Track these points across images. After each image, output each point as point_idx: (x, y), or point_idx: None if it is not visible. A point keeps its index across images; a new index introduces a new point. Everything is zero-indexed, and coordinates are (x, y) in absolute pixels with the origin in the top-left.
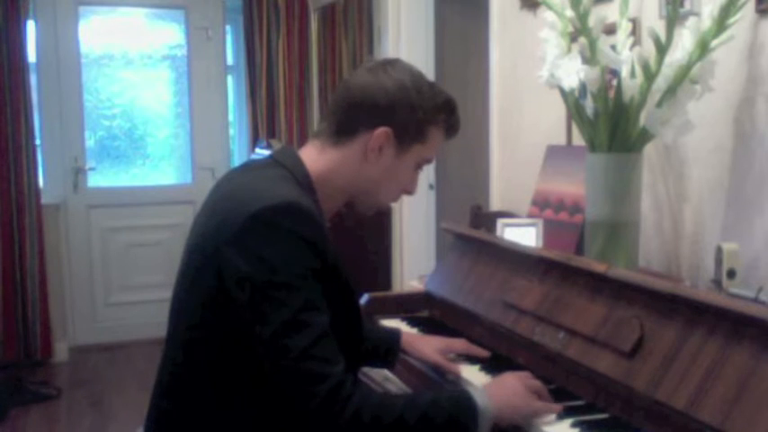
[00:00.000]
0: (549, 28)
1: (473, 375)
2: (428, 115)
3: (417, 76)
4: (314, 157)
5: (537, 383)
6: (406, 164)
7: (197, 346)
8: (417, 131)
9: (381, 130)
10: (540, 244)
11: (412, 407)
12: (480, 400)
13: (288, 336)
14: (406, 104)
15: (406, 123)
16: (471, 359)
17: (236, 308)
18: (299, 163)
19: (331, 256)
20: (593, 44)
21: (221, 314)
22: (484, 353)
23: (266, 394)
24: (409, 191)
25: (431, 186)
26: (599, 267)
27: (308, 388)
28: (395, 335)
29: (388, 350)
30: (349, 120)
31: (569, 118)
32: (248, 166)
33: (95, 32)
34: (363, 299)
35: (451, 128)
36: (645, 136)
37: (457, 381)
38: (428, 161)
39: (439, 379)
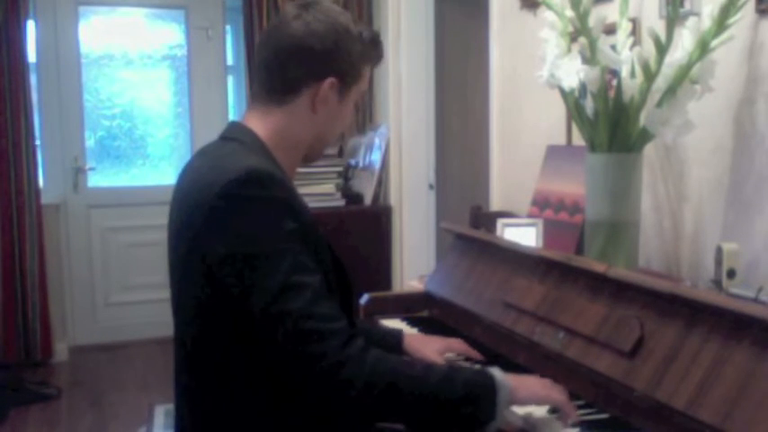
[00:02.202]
0: (549, 28)
1: None
2: (362, 57)
3: (343, 16)
4: (261, 121)
5: (563, 398)
6: (348, 105)
7: (201, 340)
8: (355, 74)
9: (328, 82)
10: (540, 244)
11: (430, 371)
12: (498, 374)
13: (282, 301)
14: (343, 51)
15: (345, 70)
16: (471, 359)
17: (227, 290)
18: (248, 132)
19: (306, 214)
20: (593, 44)
21: (217, 303)
22: (479, 356)
23: (276, 376)
24: (348, 124)
25: (431, 186)
26: (599, 267)
27: (315, 347)
28: (396, 336)
29: (389, 351)
30: (290, 76)
31: (569, 118)
32: (201, 152)
33: (95, 32)
34: (363, 299)
35: (378, 59)
36: (645, 136)
37: None
38: (363, 94)
39: None
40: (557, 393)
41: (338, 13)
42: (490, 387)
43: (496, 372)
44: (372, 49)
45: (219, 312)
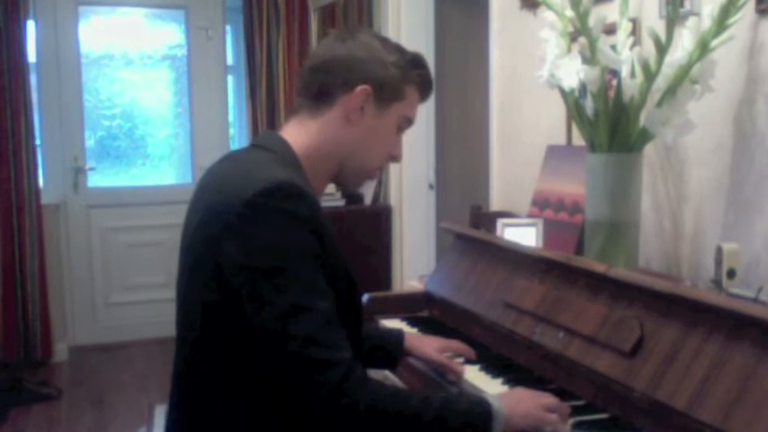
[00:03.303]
0: (549, 28)
1: (473, 375)
2: (401, 71)
3: (383, 38)
4: (296, 133)
5: (554, 400)
6: (387, 123)
7: (205, 344)
8: (394, 88)
9: (361, 89)
10: (540, 244)
11: (427, 403)
12: (494, 402)
13: (291, 322)
14: (377, 61)
15: (381, 80)
16: (472, 360)
17: (237, 300)
18: (282, 143)
19: (329, 236)
20: (593, 44)
21: (224, 309)
22: (476, 356)
23: (275, 390)
24: (395, 156)
25: (431, 186)
26: (599, 267)
27: (317, 376)
28: (397, 336)
29: (391, 352)
30: (324, 85)
31: (569, 118)
32: (228, 156)
33: (95, 32)
34: (363, 299)
35: (425, 83)
36: (645, 136)
37: (458, 381)
38: (409, 121)
39: (439, 379)
40: (549, 402)
41: (377, 36)
42: (486, 417)
43: (494, 399)
44: (413, 67)
45: (224, 318)
